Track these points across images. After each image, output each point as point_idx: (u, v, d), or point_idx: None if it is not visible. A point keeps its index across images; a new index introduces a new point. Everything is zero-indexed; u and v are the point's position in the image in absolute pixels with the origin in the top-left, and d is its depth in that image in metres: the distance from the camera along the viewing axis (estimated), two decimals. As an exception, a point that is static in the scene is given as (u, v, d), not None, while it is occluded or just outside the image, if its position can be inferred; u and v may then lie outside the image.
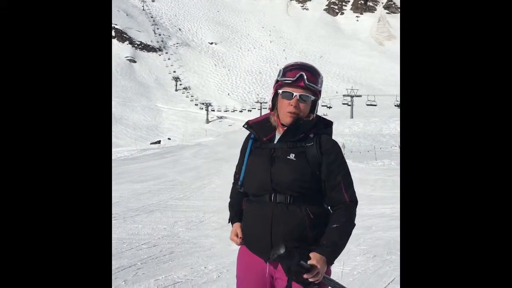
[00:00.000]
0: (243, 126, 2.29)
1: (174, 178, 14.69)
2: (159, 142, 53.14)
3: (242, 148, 2.29)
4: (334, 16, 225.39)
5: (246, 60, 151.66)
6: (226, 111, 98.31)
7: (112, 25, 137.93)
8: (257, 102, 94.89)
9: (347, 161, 2.17)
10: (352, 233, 2.04)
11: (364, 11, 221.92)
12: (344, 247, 1.98)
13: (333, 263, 1.96)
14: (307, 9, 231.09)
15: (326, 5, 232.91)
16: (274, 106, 2.18)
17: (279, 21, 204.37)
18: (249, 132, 2.26)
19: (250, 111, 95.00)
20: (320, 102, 2.21)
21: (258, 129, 2.20)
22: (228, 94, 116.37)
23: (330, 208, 2.09)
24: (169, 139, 63.81)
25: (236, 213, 2.33)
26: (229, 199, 2.41)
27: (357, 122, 45.44)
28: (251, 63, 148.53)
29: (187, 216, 8.08)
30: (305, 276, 1.79)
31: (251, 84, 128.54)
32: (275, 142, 2.14)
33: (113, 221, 7.39)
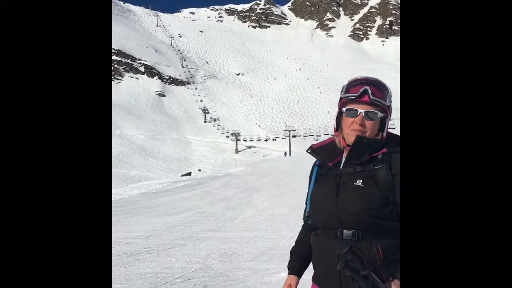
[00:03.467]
0: (307, 151, 2.10)
1: (206, 209, 14.72)
2: (189, 173, 53.56)
3: (309, 176, 2.09)
4: (359, 41, 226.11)
5: (272, 89, 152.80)
6: (258, 140, 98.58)
7: (142, 61, 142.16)
8: (285, 130, 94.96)
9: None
10: None
11: (390, 35, 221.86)
12: None
13: None
14: (331, 36, 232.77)
15: (351, 31, 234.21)
16: (338, 126, 1.98)
17: (304, 49, 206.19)
18: (315, 158, 2.06)
19: (275, 139, 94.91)
20: (389, 120, 1.98)
21: (323, 153, 2.00)
22: (259, 125, 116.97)
23: None
24: (199, 170, 64.25)
25: (294, 263, 2.09)
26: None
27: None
28: (277, 92, 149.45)
29: (220, 248, 8.05)
30: None
31: (278, 112, 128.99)
32: (341, 167, 1.93)
33: (147, 255, 7.43)
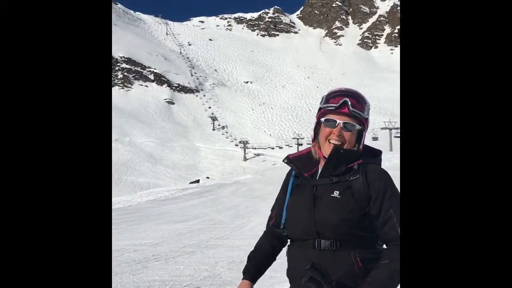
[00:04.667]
0: (283, 161, 2.08)
1: (214, 217, 14.73)
2: (198, 181, 53.66)
3: (282, 186, 2.07)
4: (368, 50, 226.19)
5: (281, 97, 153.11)
6: (265, 148, 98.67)
7: (151, 69, 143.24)
8: (294, 138, 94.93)
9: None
10: None
11: (398, 44, 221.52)
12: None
13: None
14: (340, 45, 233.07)
15: (360, 40, 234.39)
16: (316, 136, 1.98)
17: (313, 58, 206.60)
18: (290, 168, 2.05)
19: (281, 148, 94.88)
20: (366, 133, 1.98)
21: (299, 163, 1.99)
22: (269, 133, 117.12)
23: (385, 245, 1.84)
24: (207, 178, 64.40)
25: (251, 269, 2.04)
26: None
27: (397, 155, 44.53)
28: (286, 100, 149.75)
29: (228, 256, 8.04)
30: None
31: (287, 120, 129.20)
32: (317, 177, 1.92)
33: (156, 263, 7.44)
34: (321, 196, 1.86)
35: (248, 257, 2.09)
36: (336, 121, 1.88)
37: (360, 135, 1.94)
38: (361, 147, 1.94)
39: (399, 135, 75.14)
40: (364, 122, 1.93)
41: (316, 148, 1.96)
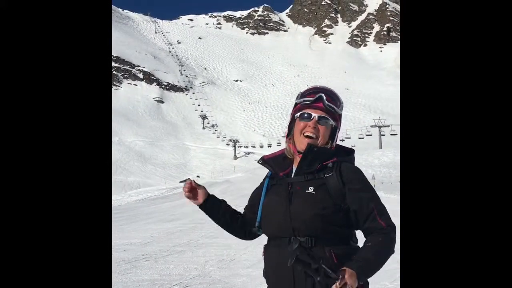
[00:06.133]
0: (258, 161, 2.15)
1: (204, 216, 14.64)
2: (188, 180, 53.38)
3: (257, 187, 2.14)
4: (357, 48, 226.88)
5: (271, 96, 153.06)
6: (253, 146, 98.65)
7: (140, 68, 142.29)
8: (284, 136, 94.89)
9: (378, 192, 2.04)
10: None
11: (387, 42, 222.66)
12: (378, 266, 1.77)
13: (365, 280, 1.76)
14: (329, 43, 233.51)
15: (349, 38, 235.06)
16: (290, 132, 2.05)
17: (303, 56, 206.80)
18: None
19: (270, 146, 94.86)
20: (339, 134, 2.05)
21: (274, 164, 2.04)
22: (259, 131, 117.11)
23: (367, 237, 1.89)
24: (198, 176, 64.16)
25: (218, 199, 2.22)
26: (259, 237, 2.20)
27: (387, 153, 44.84)
28: (276, 98, 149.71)
29: (218, 255, 8.03)
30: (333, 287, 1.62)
31: (277, 119, 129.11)
32: (292, 176, 1.97)
33: (145, 262, 7.40)
34: (296, 193, 1.90)
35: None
36: (311, 115, 1.95)
37: (333, 132, 1.99)
38: (334, 144, 2.00)
39: (391, 133, 75.78)
40: (337, 119, 2.00)
41: (290, 145, 2.01)
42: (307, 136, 1.94)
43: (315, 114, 1.95)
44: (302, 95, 2.02)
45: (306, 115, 1.96)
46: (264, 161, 2.09)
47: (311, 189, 1.87)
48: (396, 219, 1.77)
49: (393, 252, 1.81)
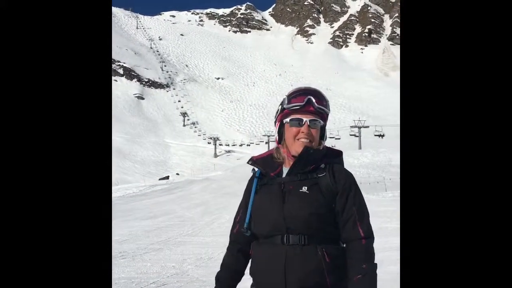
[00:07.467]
0: (248, 162, 2.12)
1: (183, 214, 14.63)
2: (167, 177, 53.14)
3: (244, 194, 2.09)
4: (339, 48, 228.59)
5: (252, 94, 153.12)
6: (233, 145, 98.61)
7: (121, 63, 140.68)
8: (265, 135, 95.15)
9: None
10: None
11: (368, 43, 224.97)
12: None
13: None
14: (311, 43, 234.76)
15: (331, 38, 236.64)
16: (281, 138, 2.01)
17: (285, 55, 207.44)
18: (252, 173, 2.08)
19: (259, 144, 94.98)
20: (328, 133, 2.04)
21: (264, 164, 2.02)
22: (240, 130, 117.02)
23: (345, 244, 1.88)
24: (177, 174, 63.82)
25: None
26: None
27: (366, 153, 45.24)
28: (257, 97, 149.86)
29: (196, 253, 8.00)
30: None
31: (258, 117, 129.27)
32: (284, 176, 1.95)
33: (122, 260, 7.32)
34: (290, 192, 1.89)
35: (216, 277, 2.07)
36: (302, 120, 1.93)
37: (322, 131, 2.00)
38: (324, 143, 2.01)
39: (377, 133, 75.62)
40: (325, 117, 2.00)
41: (284, 150, 1.98)
42: (302, 141, 1.93)
43: (306, 119, 1.93)
44: (289, 100, 1.98)
45: (297, 120, 1.94)
46: (254, 161, 2.07)
47: (304, 189, 1.88)
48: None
49: (376, 266, 1.81)
